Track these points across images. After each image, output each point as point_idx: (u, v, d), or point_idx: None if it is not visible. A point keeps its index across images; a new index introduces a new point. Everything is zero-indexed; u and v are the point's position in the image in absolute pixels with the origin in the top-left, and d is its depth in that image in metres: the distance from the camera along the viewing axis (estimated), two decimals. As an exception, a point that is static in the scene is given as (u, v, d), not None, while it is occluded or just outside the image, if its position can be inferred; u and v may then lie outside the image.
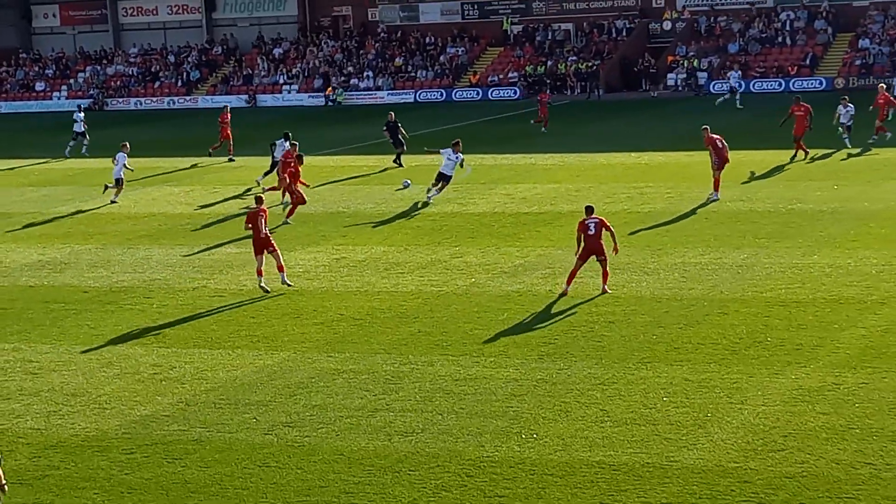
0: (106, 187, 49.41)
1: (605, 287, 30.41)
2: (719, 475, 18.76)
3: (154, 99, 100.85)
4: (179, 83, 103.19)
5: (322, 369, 25.37)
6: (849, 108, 53.02)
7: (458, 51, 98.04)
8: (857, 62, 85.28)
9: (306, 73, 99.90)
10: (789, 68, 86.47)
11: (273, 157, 50.55)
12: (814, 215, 38.64)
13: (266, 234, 32.42)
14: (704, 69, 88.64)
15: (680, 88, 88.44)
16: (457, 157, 44.92)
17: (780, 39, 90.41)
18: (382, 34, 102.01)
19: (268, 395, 23.85)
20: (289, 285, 32.49)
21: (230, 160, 59.22)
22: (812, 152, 51.28)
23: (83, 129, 65.54)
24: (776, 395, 22.23)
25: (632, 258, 33.96)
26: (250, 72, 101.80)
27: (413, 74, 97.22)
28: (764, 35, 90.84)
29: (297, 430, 21.78)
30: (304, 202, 42.83)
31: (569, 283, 30.50)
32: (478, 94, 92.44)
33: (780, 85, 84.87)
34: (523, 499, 18.40)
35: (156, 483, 19.77)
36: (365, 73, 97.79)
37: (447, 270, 33.96)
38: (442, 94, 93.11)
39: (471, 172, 47.11)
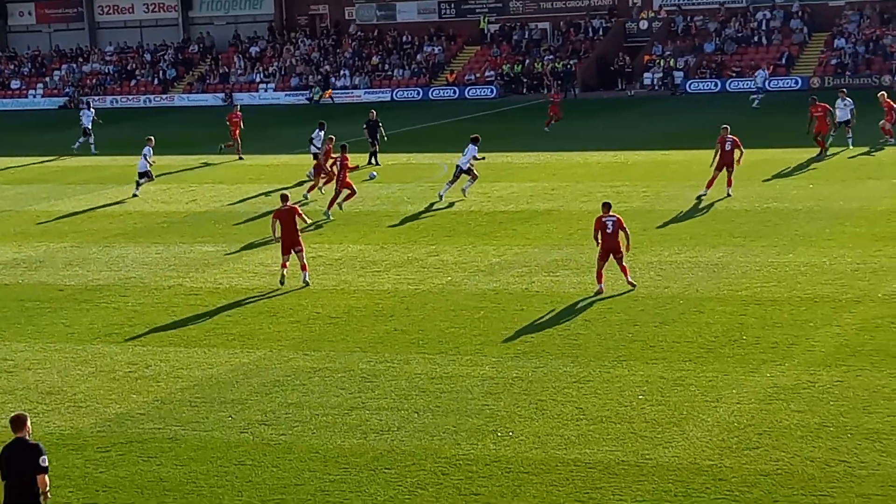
0: (138, 185, 49.72)
1: (630, 279, 30.38)
2: (694, 473, 18.80)
3: (130, 97, 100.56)
4: (156, 81, 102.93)
5: (298, 367, 25.35)
6: (847, 102, 52.75)
7: (434, 49, 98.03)
8: (833, 61, 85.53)
9: (283, 72, 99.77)
10: (765, 68, 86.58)
11: (311, 149, 51.21)
12: (789, 214, 38.76)
13: (298, 232, 32.63)
14: (680, 69, 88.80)
15: (656, 88, 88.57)
16: (469, 150, 45.15)
17: (755, 39, 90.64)
18: (359, 33, 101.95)
19: (244, 394, 23.83)
20: (307, 284, 32.48)
21: (240, 159, 58.90)
22: (793, 152, 51.43)
23: (90, 125, 65.27)
24: (751, 393, 22.29)
25: (608, 257, 33.99)
26: (227, 70, 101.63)
27: (390, 73, 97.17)
28: (740, 35, 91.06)
29: (273, 429, 21.76)
30: (353, 191, 42.82)
31: (599, 280, 30.33)
32: (455, 92, 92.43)
33: (755, 84, 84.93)
34: (499, 496, 18.42)
35: (131, 481, 19.74)
36: (342, 72, 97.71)
37: (424, 269, 33.97)
38: (419, 93, 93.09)
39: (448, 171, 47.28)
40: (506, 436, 20.78)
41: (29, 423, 16.03)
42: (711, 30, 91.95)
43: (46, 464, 15.80)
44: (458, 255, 35.47)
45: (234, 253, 37.30)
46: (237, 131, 59.42)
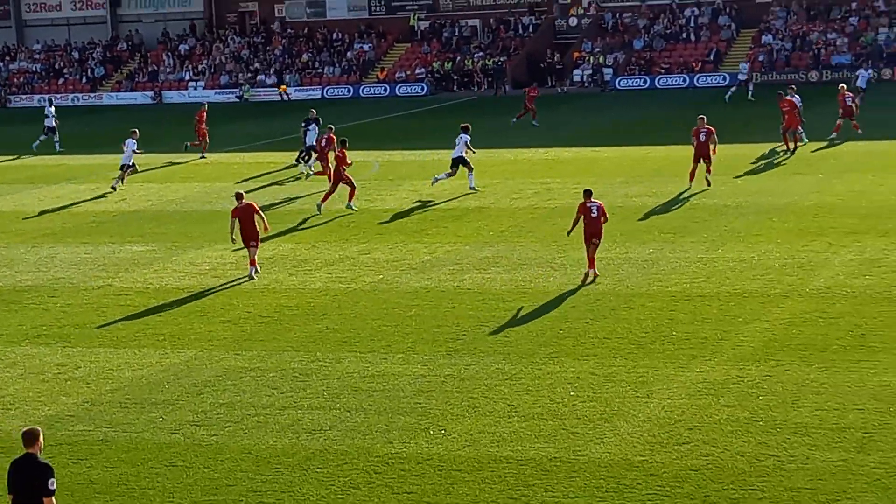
0: (120, 179, 49.96)
1: (594, 270, 30.88)
2: (626, 468, 18.90)
3: (58, 96, 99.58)
4: (84, 80, 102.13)
5: (229, 367, 25.24)
6: (796, 98, 52.64)
7: (365, 47, 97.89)
8: (761, 57, 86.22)
9: (212, 70, 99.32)
10: (694, 64, 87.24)
11: (304, 141, 51.58)
12: (718, 210, 39.02)
13: (256, 228, 32.96)
14: (610, 65, 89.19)
15: (586, 84, 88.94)
16: (460, 139, 45.48)
17: (684, 35, 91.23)
18: (289, 30, 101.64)
19: (174, 394, 23.69)
20: (252, 278, 32.88)
21: (202, 157, 58.45)
22: (721, 148, 51.78)
23: (54, 124, 64.50)
24: (681, 388, 22.43)
25: (539, 253, 34.13)
26: (156, 68, 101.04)
27: (320, 71, 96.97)
28: (669, 31, 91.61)
29: (205, 429, 21.66)
30: (353, 186, 42.56)
31: (591, 266, 30.91)
32: (385, 90, 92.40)
33: (684, 81, 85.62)
34: (431, 495, 18.42)
35: (60, 484, 19.48)
36: (271, 70, 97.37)
37: (355, 267, 33.92)
38: (349, 91, 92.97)
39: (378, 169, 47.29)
40: (438, 434, 20.79)
41: (42, 439, 15.38)
42: (640, 27, 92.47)
43: (54, 487, 15.13)
44: (390, 252, 35.45)
45: (163, 253, 37.06)
46: (203, 128, 58.95)
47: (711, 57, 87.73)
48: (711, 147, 42.82)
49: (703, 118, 43.85)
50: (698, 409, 21.26)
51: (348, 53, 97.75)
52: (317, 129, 51.27)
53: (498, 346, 25.76)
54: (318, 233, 38.93)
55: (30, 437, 15.27)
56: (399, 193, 45.58)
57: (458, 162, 45.20)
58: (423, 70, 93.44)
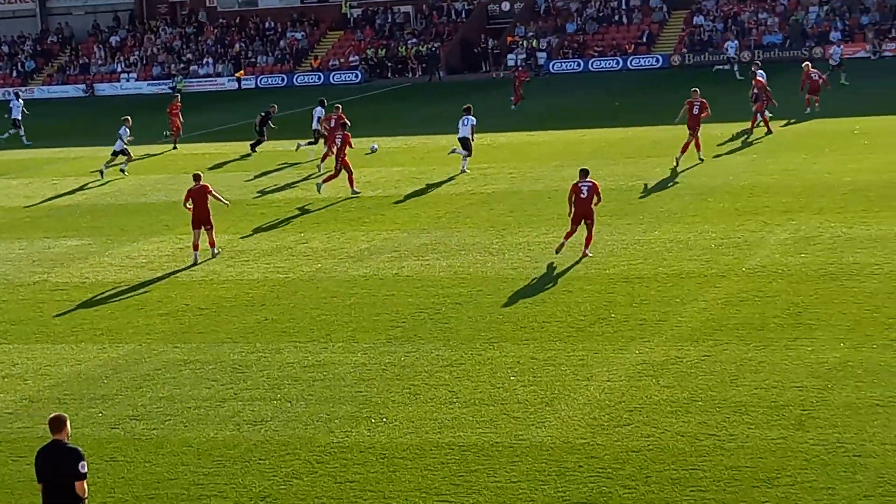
0: (107, 164, 50.62)
1: (587, 251, 31.18)
2: (567, 452, 18.96)
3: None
4: (14, 74, 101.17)
5: (168, 360, 25.11)
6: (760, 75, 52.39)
7: (297, 35, 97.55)
8: (693, 38, 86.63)
9: (144, 61, 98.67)
10: (626, 46, 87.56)
11: (313, 126, 51.59)
12: (654, 191, 39.20)
13: (209, 210, 33.72)
14: (543, 49, 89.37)
15: (520, 68, 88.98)
16: (467, 121, 45.75)
17: (616, 18, 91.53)
18: (221, 20, 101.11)
19: (113, 389, 23.54)
20: (215, 255, 34.07)
21: (174, 148, 57.94)
22: (654, 130, 52.01)
23: (20, 116, 63.69)
24: (621, 370, 22.54)
25: (476, 239, 34.17)
26: (87, 61, 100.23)
27: (253, 60, 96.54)
28: (601, 14, 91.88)
29: (144, 423, 21.54)
30: (350, 171, 42.59)
31: (566, 237, 31.25)
32: (319, 78, 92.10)
33: (618, 63, 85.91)
34: (374, 483, 18.41)
35: (1, 482, 19.41)
36: (204, 60, 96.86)
37: (293, 257, 33.83)
38: (283, 80, 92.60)
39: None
40: (379, 422, 20.78)
41: (69, 425, 15.29)
42: (573, 10, 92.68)
43: (86, 469, 15.02)
44: (328, 241, 35.38)
45: (99, 247, 36.80)
46: (177, 120, 58.46)
47: (644, 39, 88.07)
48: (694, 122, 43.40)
49: (696, 91, 44.55)
50: (638, 391, 21.37)
51: (281, 42, 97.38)
52: (322, 111, 51.40)
53: (438, 332, 25.78)
54: (255, 223, 38.77)
55: (57, 424, 15.19)
56: (335, 182, 45.41)
57: (465, 141, 45.67)
58: (356, 57, 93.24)
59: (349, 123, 45.11)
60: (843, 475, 17.42)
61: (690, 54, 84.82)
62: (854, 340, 23.18)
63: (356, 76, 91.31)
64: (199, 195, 33.70)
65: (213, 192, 34.20)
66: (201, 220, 33.68)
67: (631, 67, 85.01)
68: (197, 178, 34.32)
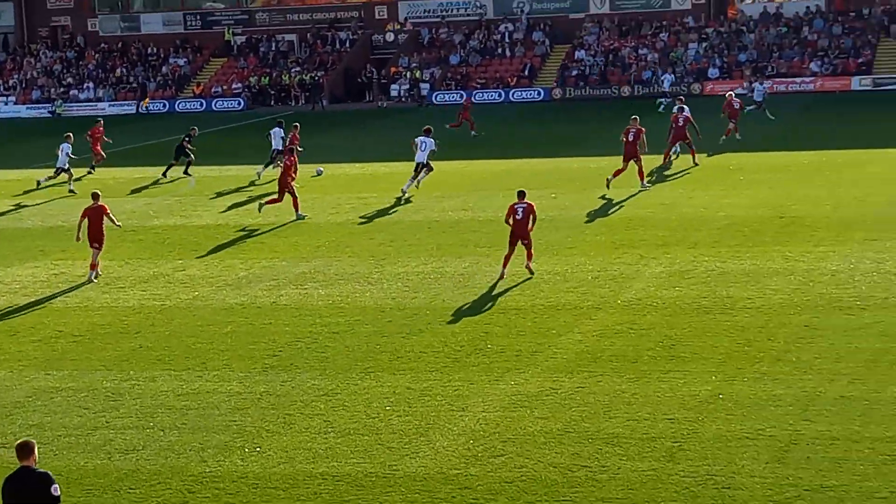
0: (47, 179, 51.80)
1: (530, 265, 32.13)
2: (441, 482, 18.98)
3: None
4: None
5: (40, 387, 24.75)
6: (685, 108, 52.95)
7: (180, 62, 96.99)
8: (574, 73, 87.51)
9: (24, 85, 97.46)
10: (509, 79, 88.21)
11: (272, 146, 52.08)
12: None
13: (103, 230, 34.07)
14: (427, 80, 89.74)
15: (403, 99, 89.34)
16: (424, 143, 46.53)
17: (499, 51, 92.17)
18: (103, 45, 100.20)
19: (-18, 417, 23.16)
20: (91, 281, 33.76)
21: (90, 171, 56.89)
22: (534, 163, 52.38)
23: None
24: (496, 401, 22.62)
25: (356, 268, 34.15)
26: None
27: (135, 86, 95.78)
28: (484, 47, 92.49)
29: (13, 452, 21.13)
30: (295, 195, 42.59)
31: (504, 265, 31.97)
32: (201, 104, 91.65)
33: (500, 96, 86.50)
34: (246, 513, 18.30)
35: None
36: (85, 85, 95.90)
37: (170, 284, 33.56)
38: (165, 106, 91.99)
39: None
40: (253, 451, 20.65)
41: (36, 450, 14.92)
42: (456, 42, 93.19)
43: (58, 493, 14.64)
44: (205, 269, 35.15)
45: (-28, 271, 36.26)
46: (98, 145, 57.55)
47: (526, 72, 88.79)
48: (630, 149, 44.47)
49: (635, 118, 45.61)
50: (512, 422, 21.46)
51: (164, 68, 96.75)
52: (282, 132, 51.62)
53: (314, 361, 25.70)
54: (132, 249, 38.40)
55: (24, 450, 14.86)
56: (215, 209, 45.22)
57: (422, 166, 46.39)
58: (239, 85, 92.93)
59: (293, 148, 45.57)
60: (711, 506, 17.66)
61: (571, 88, 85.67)
62: (725, 373, 23.49)
63: (239, 103, 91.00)
64: (95, 214, 34.03)
65: (109, 213, 34.45)
66: (95, 239, 33.97)
67: (513, 100, 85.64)
68: (95, 196, 34.62)
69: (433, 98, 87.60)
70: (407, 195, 45.44)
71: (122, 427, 22.17)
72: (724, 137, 55.59)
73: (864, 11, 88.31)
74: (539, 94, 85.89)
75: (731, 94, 58.40)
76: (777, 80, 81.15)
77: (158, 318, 29.94)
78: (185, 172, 53.15)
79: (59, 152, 51.68)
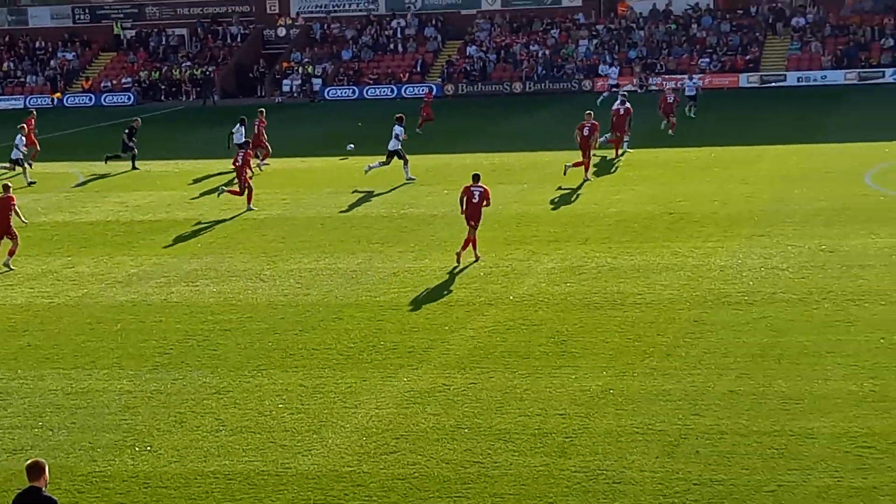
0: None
1: (477, 253, 33.12)
2: (334, 480, 18.96)
3: None
4: None
5: (-75, 388, 24.37)
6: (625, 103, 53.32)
7: (68, 56, 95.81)
8: (466, 68, 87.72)
9: None
10: (401, 75, 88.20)
11: (232, 143, 51.52)
12: (426, 219, 39.54)
13: (9, 221, 34.62)
14: (319, 76, 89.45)
15: (295, 94, 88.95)
16: (395, 131, 47.29)
17: (391, 47, 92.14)
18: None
19: None
20: (9, 269, 34.45)
21: (28, 165, 55.84)
22: (425, 158, 52.40)
23: None
24: (389, 397, 22.64)
25: (248, 265, 33.99)
26: None
27: (22, 80, 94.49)
28: (376, 42, 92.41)
29: (-87, 454, 20.84)
30: (251, 189, 43.03)
31: (463, 248, 32.99)
32: (90, 99, 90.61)
33: (392, 91, 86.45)
34: (137, 513, 18.16)
35: None
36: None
37: (58, 281, 33.17)
38: (53, 100, 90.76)
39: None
40: (144, 450, 20.49)
41: (47, 471, 14.45)
42: (349, 37, 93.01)
43: None
44: (95, 266, 34.78)
45: None
46: (32, 136, 56.54)
47: (418, 68, 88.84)
48: (592, 141, 45.92)
49: (590, 113, 46.72)
50: (405, 418, 21.49)
51: (52, 62, 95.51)
52: (243, 129, 51.71)
53: (206, 359, 25.55)
54: (20, 246, 37.80)
55: (35, 470, 14.45)
56: (104, 205, 44.76)
57: (394, 154, 46.96)
58: (129, 79, 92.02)
59: (249, 142, 45.88)
60: (602, 502, 17.81)
61: (464, 84, 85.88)
62: (616, 368, 23.71)
63: (129, 98, 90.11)
64: (2, 206, 34.48)
65: (16, 207, 35.00)
66: (3, 231, 34.53)
67: (405, 95, 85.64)
68: (6, 188, 35.00)
69: (325, 93, 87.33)
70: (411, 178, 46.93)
71: (10, 427, 21.89)
72: (670, 131, 57.51)
73: (751, 9, 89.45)
74: (431, 89, 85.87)
75: (668, 89, 60.91)
76: (666, 76, 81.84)
77: (47, 316, 29.59)
78: (132, 165, 53.64)
79: (15, 145, 51.72)
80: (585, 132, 45.81)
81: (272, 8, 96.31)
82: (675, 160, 50.04)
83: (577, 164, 45.66)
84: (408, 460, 19.59)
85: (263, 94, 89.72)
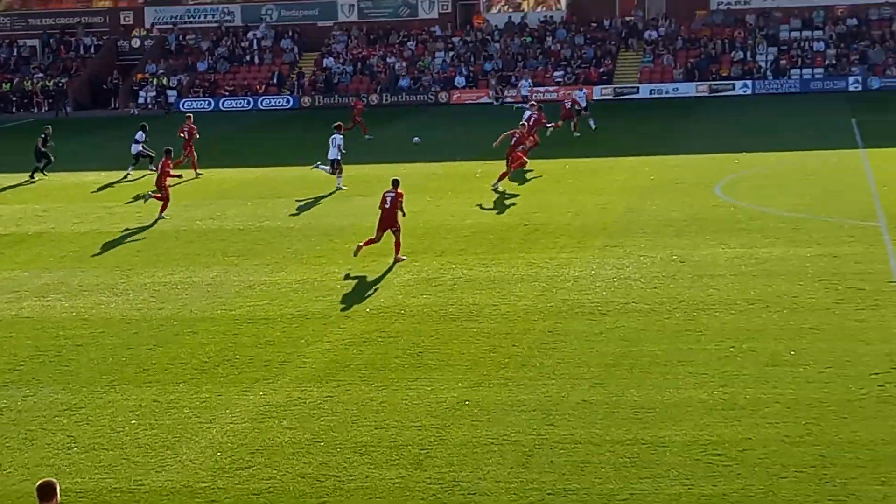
0: None
1: (399, 256, 33.96)
2: (188, 496, 18.81)
3: None
4: None
5: None
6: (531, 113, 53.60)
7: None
8: (322, 80, 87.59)
9: None
10: (257, 87, 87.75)
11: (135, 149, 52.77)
12: (282, 232, 39.39)
13: None
14: (174, 87, 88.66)
15: (150, 106, 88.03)
16: (334, 139, 47.39)
17: (247, 58, 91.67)
18: None
19: None
20: None
21: None
22: (289, 169, 52.23)
23: None
24: (244, 412, 22.52)
25: (101, 279, 33.58)
26: None
27: None
28: (232, 53, 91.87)
29: None
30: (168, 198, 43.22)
31: (366, 243, 33.96)
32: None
33: (248, 103, 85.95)
34: (-14, 533, 17.84)
35: None
36: None
37: None
38: None
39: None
40: (-7, 469, 20.16)
41: (59, 493, 13.76)
42: (204, 48, 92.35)
43: None
44: (-57, 281, 34.13)
45: None
46: None
47: (274, 79, 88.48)
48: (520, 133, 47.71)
49: (524, 125, 49.50)
50: (261, 433, 21.40)
51: None
52: (144, 135, 52.59)
53: (57, 375, 25.19)
54: None
55: (46, 491, 13.77)
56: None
57: (335, 162, 47.15)
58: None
59: (171, 150, 45.72)
60: (457, 512, 17.91)
61: (320, 96, 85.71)
62: (471, 380, 23.84)
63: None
64: None
65: None
66: None
67: (262, 107, 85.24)
68: None
69: (180, 105, 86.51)
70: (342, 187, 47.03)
71: None
72: (577, 133, 60.67)
73: (605, 22, 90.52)
74: (288, 101, 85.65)
75: (572, 97, 63.83)
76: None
77: None
78: (41, 172, 53.38)
79: None
80: (512, 142, 47.08)
81: (126, 19, 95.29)
82: (530, 172, 50.39)
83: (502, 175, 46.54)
84: (263, 475, 19.51)
85: (118, 105, 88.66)
